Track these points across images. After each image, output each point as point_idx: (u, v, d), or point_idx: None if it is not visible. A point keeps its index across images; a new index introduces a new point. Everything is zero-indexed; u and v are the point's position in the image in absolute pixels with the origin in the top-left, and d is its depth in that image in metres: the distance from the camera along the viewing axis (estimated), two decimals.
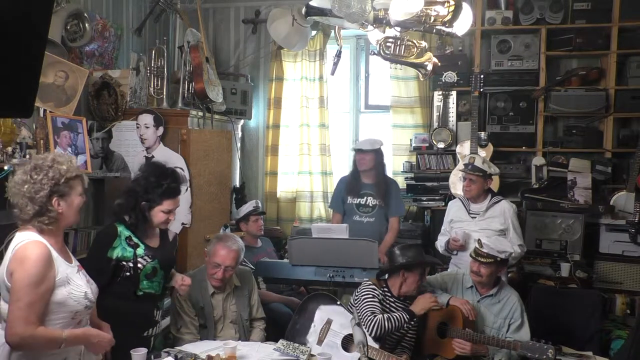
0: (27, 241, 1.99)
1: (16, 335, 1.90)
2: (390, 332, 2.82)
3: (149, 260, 2.58)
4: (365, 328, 2.74)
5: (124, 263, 2.53)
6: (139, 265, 2.55)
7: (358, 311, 2.83)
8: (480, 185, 3.52)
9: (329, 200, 4.93)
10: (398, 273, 2.93)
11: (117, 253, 2.52)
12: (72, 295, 2.05)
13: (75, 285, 2.08)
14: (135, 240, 2.58)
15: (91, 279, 2.21)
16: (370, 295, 2.88)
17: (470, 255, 3.02)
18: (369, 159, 3.98)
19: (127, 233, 2.57)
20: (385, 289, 2.96)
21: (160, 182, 2.58)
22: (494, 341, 2.79)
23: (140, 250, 2.57)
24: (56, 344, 1.98)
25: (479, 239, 3.03)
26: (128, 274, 2.53)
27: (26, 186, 1.99)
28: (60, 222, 2.06)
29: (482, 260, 2.93)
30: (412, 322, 2.88)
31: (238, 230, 4.03)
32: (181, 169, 3.67)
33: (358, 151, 4.06)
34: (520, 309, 2.99)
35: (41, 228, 2.02)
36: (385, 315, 2.79)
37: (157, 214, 2.59)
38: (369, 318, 2.77)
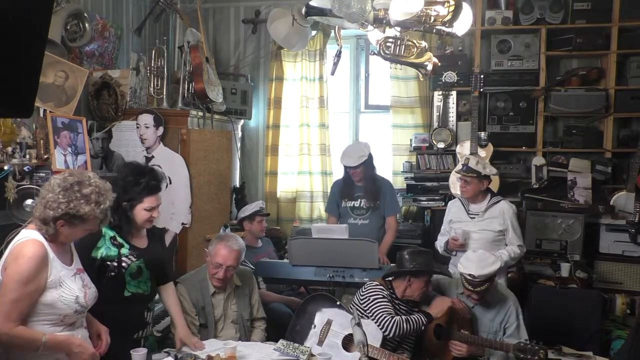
0: (25, 239, 2.00)
1: None
2: (408, 334, 2.80)
3: (133, 259, 2.56)
4: (382, 328, 2.73)
5: (109, 263, 2.51)
6: (123, 264, 2.53)
7: (370, 311, 2.81)
8: (476, 186, 3.51)
9: None
10: (404, 277, 2.92)
11: (101, 253, 2.51)
12: (62, 299, 2.04)
13: (67, 288, 2.07)
14: (120, 240, 2.56)
15: (91, 284, 2.20)
16: (381, 296, 2.86)
17: (465, 287, 2.94)
18: (359, 171, 3.96)
19: (111, 233, 2.55)
20: (391, 290, 2.95)
21: (138, 180, 2.57)
22: (487, 343, 2.81)
23: (124, 250, 2.56)
24: (34, 346, 1.95)
25: (470, 273, 2.87)
26: (113, 274, 2.52)
27: (49, 195, 2.02)
28: (57, 238, 2.08)
29: (480, 289, 2.89)
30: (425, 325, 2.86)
31: (238, 230, 4.02)
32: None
33: (346, 167, 4.02)
34: (515, 312, 2.96)
35: (40, 230, 2.04)
36: (404, 317, 2.78)
37: (140, 213, 2.57)
38: (386, 318, 2.75)
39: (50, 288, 2.01)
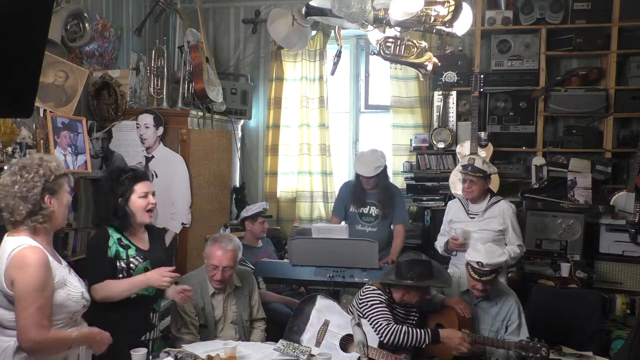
0: (23, 246, 1.97)
1: (31, 340, 1.91)
2: (404, 345, 2.75)
3: (140, 260, 2.56)
4: (378, 333, 2.72)
5: (118, 263, 2.52)
6: (132, 265, 2.54)
7: (367, 316, 2.79)
8: (481, 186, 3.51)
9: (329, 200, 4.93)
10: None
11: (113, 251, 2.51)
12: (70, 297, 2.05)
13: (72, 286, 2.08)
14: (126, 241, 2.57)
15: (81, 279, 2.21)
16: (378, 301, 2.83)
17: (471, 277, 2.93)
18: (372, 181, 3.90)
19: (117, 235, 2.56)
20: (389, 294, 2.92)
21: (122, 174, 2.59)
22: (488, 341, 2.80)
23: (131, 252, 2.56)
24: (67, 345, 2.00)
25: (478, 261, 2.89)
26: (121, 276, 2.52)
27: (17, 186, 1.97)
28: (53, 221, 2.06)
29: (486, 279, 2.88)
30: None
31: (239, 230, 4.02)
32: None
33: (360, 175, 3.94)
34: (517, 310, 2.98)
35: (35, 229, 2.00)
36: (405, 328, 2.74)
37: (136, 202, 2.56)
38: (382, 324, 2.72)
39: (57, 288, 2.02)
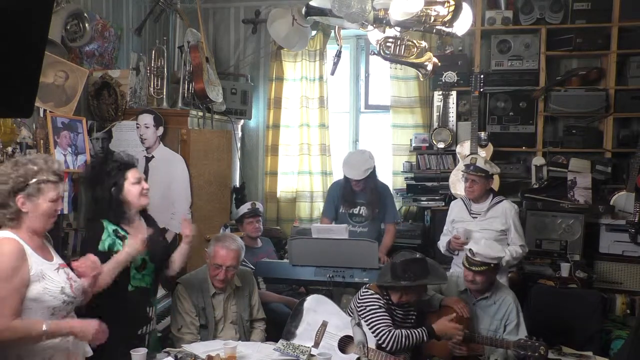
0: None
1: None
2: (406, 349, 2.76)
3: None
4: (380, 341, 2.71)
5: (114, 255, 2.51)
6: None
7: (367, 321, 2.78)
8: (483, 185, 3.51)
9: None
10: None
11: (106, 244, 2.50)
12: (47, 291, 2.03)
13: (51, 280, 2.06)
14: (123, 232, 2.56)
15: (77, 278, 2.18)
16: (377, 306, 2.83)
17: (463, 265, 2.97)
18: (361, 182, 3.89)
19: (113, 227, 2.55)
20: (387, 297, 2.92)
21: (109, 162, 2.57)
22: (487, 341, 2.82)
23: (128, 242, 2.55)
24: (36, 334, 1.96)
25: (470, 249, 2.95)
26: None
27: None
28: (24, 221, 2.05)
29: (476, 269, 2.91)
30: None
31: (238, 231, 4.03)
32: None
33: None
34: (515, 309, 2.98)
35: (11, 225, 2.02)
36: (404, 332, 2.75)
37: (130, 190, 2.56)
38: (384, 331, 2.73)
39: (33, 282, 2.01)
